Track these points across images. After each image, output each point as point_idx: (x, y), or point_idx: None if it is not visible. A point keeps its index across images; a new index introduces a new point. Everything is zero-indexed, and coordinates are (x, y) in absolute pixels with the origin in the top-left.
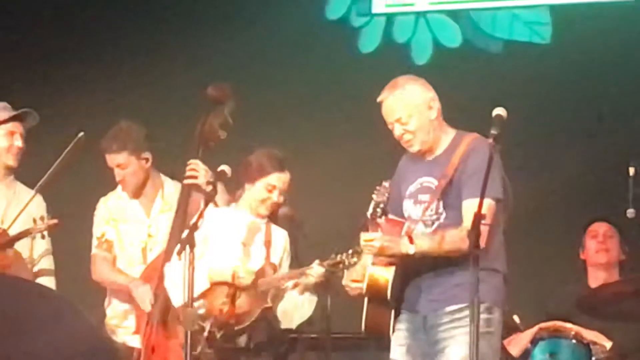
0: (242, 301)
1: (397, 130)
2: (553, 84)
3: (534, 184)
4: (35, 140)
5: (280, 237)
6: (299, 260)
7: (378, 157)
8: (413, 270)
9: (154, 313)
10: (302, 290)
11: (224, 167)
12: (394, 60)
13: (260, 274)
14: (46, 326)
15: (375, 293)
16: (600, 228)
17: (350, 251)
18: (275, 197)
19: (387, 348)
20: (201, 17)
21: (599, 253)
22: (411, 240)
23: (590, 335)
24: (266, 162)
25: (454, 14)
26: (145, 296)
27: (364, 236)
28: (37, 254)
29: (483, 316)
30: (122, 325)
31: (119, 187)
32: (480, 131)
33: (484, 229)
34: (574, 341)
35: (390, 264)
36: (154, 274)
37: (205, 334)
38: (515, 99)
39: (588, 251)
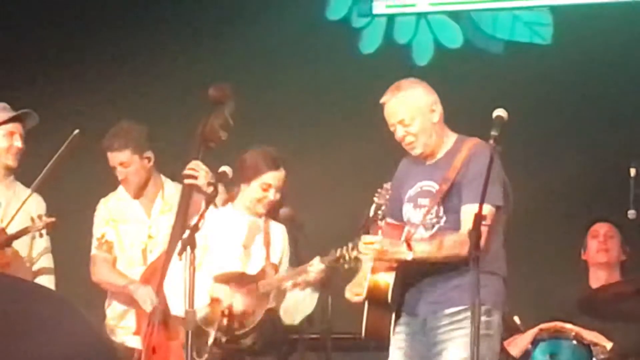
0: (245, 304)
1: (399, 132)
2: (554, 85)
3: (535, 184)
4: (35, 141)
5: (279, 233)
6: (299, 261)
7: (378, 158)
8: (412, 273)
9: (155, 314)
10: (303, 287)
11: (225, 168)
12: (394, 61)
13: (260, 275)
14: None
15: (376, 296)
16: (601, 228)
17: (350, 244)
18: (271, 195)
19: (388, 349)
20: (201, 17)
21: (600, 253)
22: (409, 247)
23: (590, 336)
24: (260, 161)
25: (454, 15)
26: (146, 297)
27: (364, 239)
28: (37, 253)
29: (482, 319)
30: (122, 325)
31: (120, 188)
32: (481, 132)
33: (483, 230)
34: (574, 342)
35: (391, 269)
36: (155, 275)
37: (211, 340)
38: (516, 99)
39: (589, 251)
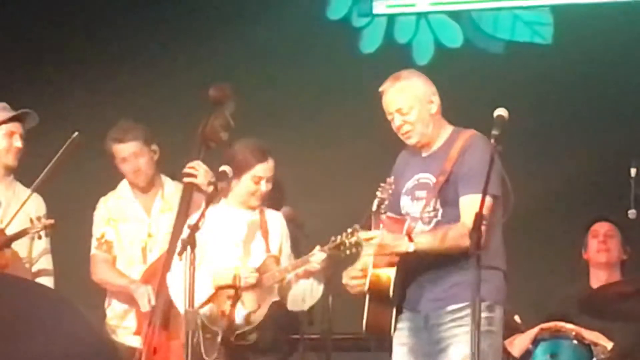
0: (251, 299)
1: (397, 121)
2: (554, 85)
3: (535, 184)
4: (35, 141)
5: (276, 222)
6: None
7: (378, 157)
8: (414, 269)
9: (155, 314)
10: (307, 277)
11: (225, 168)
12: (395, 61)
13: (263, 269)
14: (46, 326)
15: (377, 291)
16: (601, 228)
17: (349, 230)
18: (263, 187)
19: (388, 349)
20: (201, 17)
21: (600, 252)
22: (410, 239)
23: (591, 335)
24: (249, 155)
25: (455, 15)
26: (145, 297)
27: (362, 235)
28: (36, 254)
29: (484, 315)
30: (122, 325)
31: (120, 186)
32: (481, 131)
33: (483, 229)
34: (575, 342)
35: (392, 264)
36: (155, 275)
37: (219, 339)
38: (517, 99)
39: (590, 251)
